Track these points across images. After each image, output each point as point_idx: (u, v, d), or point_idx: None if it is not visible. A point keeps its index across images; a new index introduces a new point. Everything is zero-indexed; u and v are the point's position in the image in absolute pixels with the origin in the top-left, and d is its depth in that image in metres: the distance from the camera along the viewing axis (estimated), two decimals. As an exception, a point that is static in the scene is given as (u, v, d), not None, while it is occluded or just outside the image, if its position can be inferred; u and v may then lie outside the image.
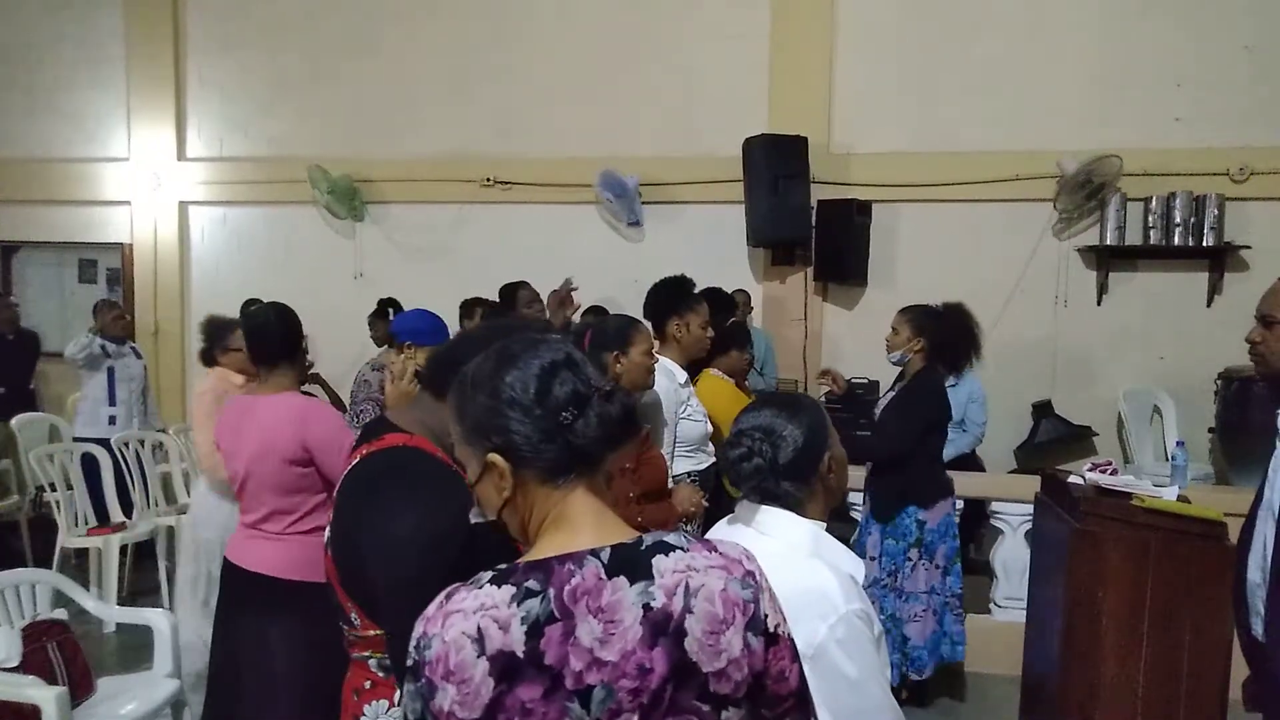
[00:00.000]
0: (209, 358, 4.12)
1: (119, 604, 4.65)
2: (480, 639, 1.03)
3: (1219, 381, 5.47)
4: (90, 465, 5.20)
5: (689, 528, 3.00)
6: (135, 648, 4.27)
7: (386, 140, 6.78)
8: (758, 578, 1.12)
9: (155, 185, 7.09)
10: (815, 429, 1.64)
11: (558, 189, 6.49)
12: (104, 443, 5.30)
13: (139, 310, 7.14)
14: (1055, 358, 5.99)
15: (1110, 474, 3.02)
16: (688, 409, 3.35)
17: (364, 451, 1.66)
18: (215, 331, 4.07)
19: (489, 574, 1.09)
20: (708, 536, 1.72)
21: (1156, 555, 2.70)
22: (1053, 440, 5.76)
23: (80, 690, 3.03)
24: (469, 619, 1.05)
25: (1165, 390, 5.75)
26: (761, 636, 1.09)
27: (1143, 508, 2.77)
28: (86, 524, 5.06)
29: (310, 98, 6.91)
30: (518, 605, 1.05)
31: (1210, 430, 5.62)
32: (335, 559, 1.63)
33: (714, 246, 6.20)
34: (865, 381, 6.05)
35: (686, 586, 1.07)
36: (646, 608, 1.05)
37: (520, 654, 1.03)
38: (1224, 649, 2.64)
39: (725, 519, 1.77)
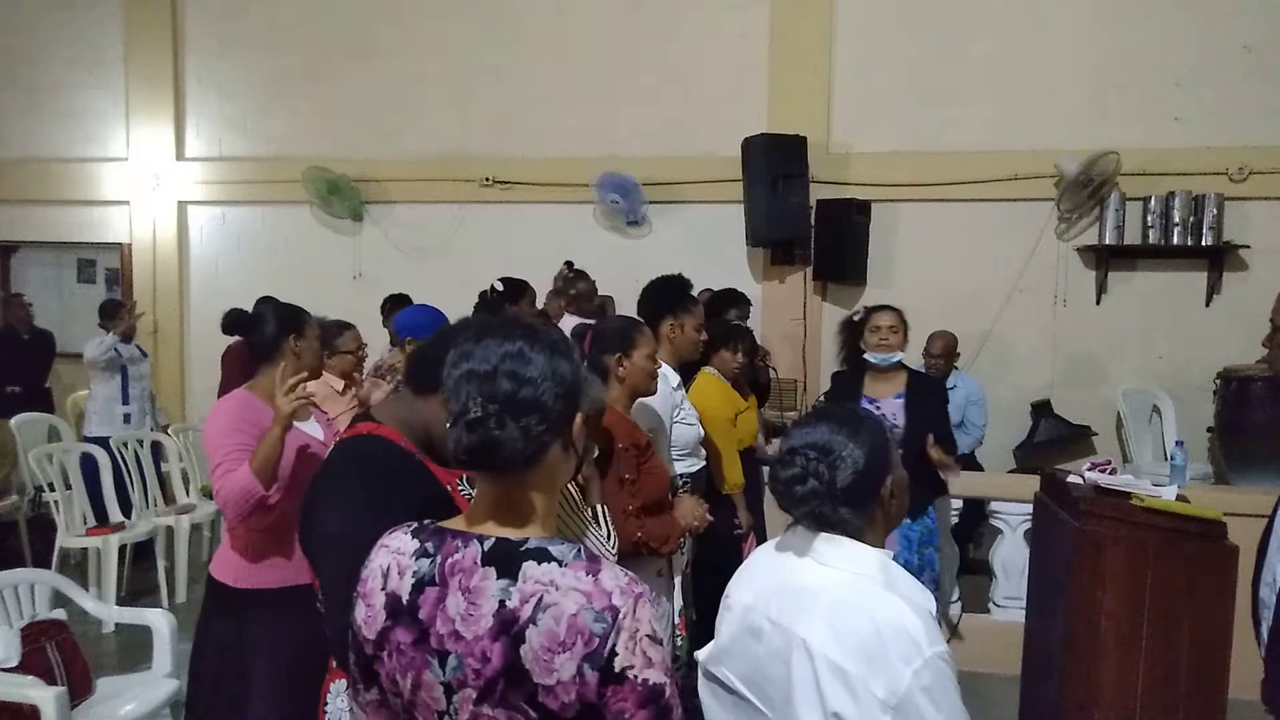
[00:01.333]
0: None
1: (118, 604, 4.65)
2: (386, 575, 1.20)
3: (1218, 381, 5.47)
4: (89, 465, 5.19)
5: (688, 540, 2.95)
6: (134, 648, 4.27)
7: (386, 140, 6.78)
8: (621, 616, 1.09)
9: (154, 185, 7.09)
10: (877, 449, 1.47)
11: (557, 189, 6.49)
12: (103, 443, 5.30)
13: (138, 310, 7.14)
14: (1054, 357, 5.99)
15: (1109, 473, 3.01)
16: (681, 412, 3.32)
17: (337, 440, 1.74)
18: (323, 335, 3.97)
19: (417, 525, 1.23)
20: (749, 566, 1.64)
21: (1156, 555, 2.70)
22: (1052, 440, 5.77)
23: (79, 690, 3.03)
24: (387, 556, 1.22)
25: (1164, 390, 5.76)
26: (598, 672, 1.08)
27: (1142, 507, 2.77)
28: (86, 524, 5.05)
29: (309, 98, 6.91)
30: (414, 559, 1.19)
31: (1209, 430, 5.62)
32: (301, 544, 1.70)
33: (713, 246, 6.20)
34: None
35: (539, 600, 1.10)
36: (501, 604, 1.12)
37: (404, 600, 1.17)
38: (1224, 649, 2.63)
39: (768, 546, 1.61)
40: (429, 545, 1.19)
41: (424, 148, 6.74)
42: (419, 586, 1.17)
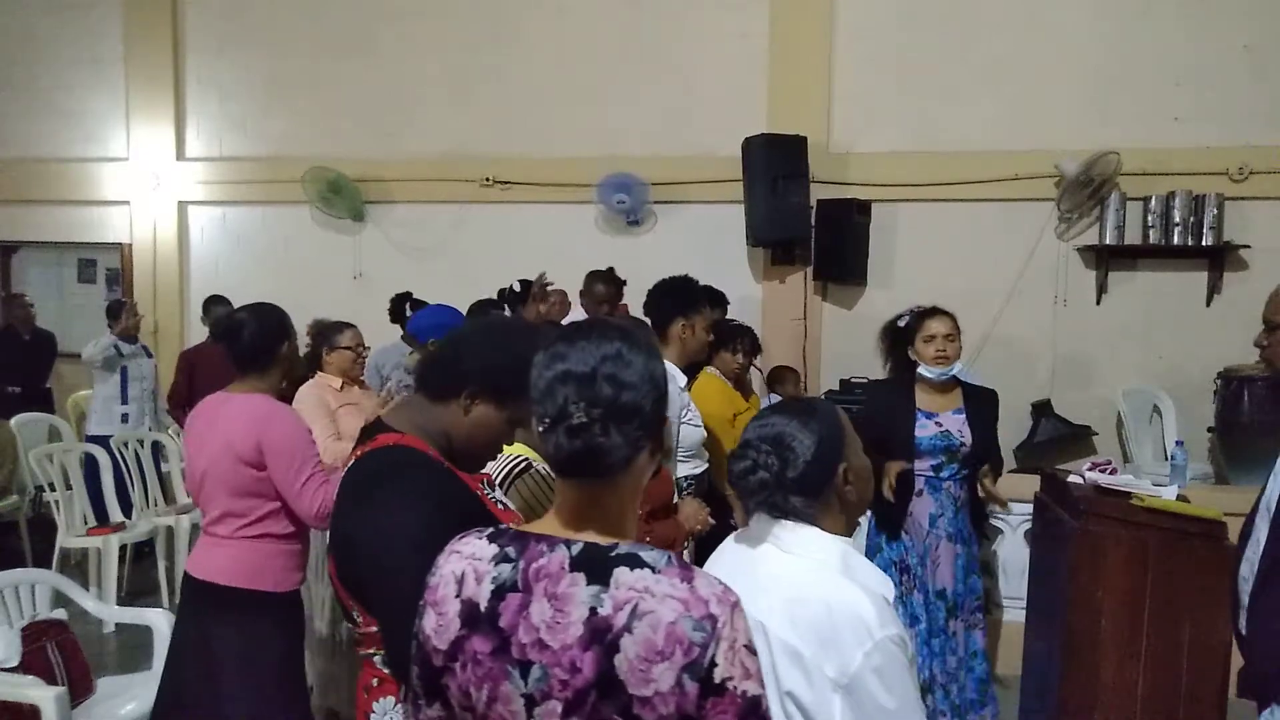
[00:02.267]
0: (314, 360, 4.02)
1: (118, 604, 4.65)
2: (461, 582, 1.15)
3: (1218, 381, 5.47)
4: (90, 465, 5.20)
5: (690, 544, 2.96)
6: (135, 648, 4.27)
7: (386, 140, 6.78)
8: (719, 625, 1.06)
9: (154, 185, 7.09)
10: (828, 438, 1.52)
11: (557, 189, 6.48)
12: (104, 442, 5.31)
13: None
14: (1055, 357, 5.99)
15: (1110, 473, 3.02)
16: (688, 413, 3.32)
17: (358, 453, 1.67)
18: (322, 333, 4.02)
19: (493, 529, 1.19)
20: (720, 553, 1.68)
21: (1156, 554, 2.70)
22: (1052, 440, 5.76)
23: (79, 690, 3.03)
24: (461, 561, 1.17)
25: (1165, 390, 5.75)
26: (699, 683, 1.05)
27: (1142, 507, 2.78)
28: (86, 524, 5.06)
29: (309, 97, 6.91)
30: (494, 565, 1.14)
31: (1210, 430, 5.62)
32: (334, 558, 1.64)
33: (713, 246, 6.19)
34: (865, 381, 6.05)
35: (635, 607, 1.06)
36: (593, 611, 1.07)
37: (483, 608, 1.12)
38: (1224, 648, 2.64)
39: (736, 535, 1.66)
40: (510, 550, 1.14)
41: (424, 148, 6.73)
42: (499, 593, 1.12)
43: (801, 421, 1.53)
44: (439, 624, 1.15)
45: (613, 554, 1.11)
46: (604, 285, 5.03)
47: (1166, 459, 5.03)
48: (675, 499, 2.94)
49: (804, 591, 1.45)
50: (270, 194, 6.90)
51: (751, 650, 1.09)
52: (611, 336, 1.16)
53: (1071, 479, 3.12)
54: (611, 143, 6.41)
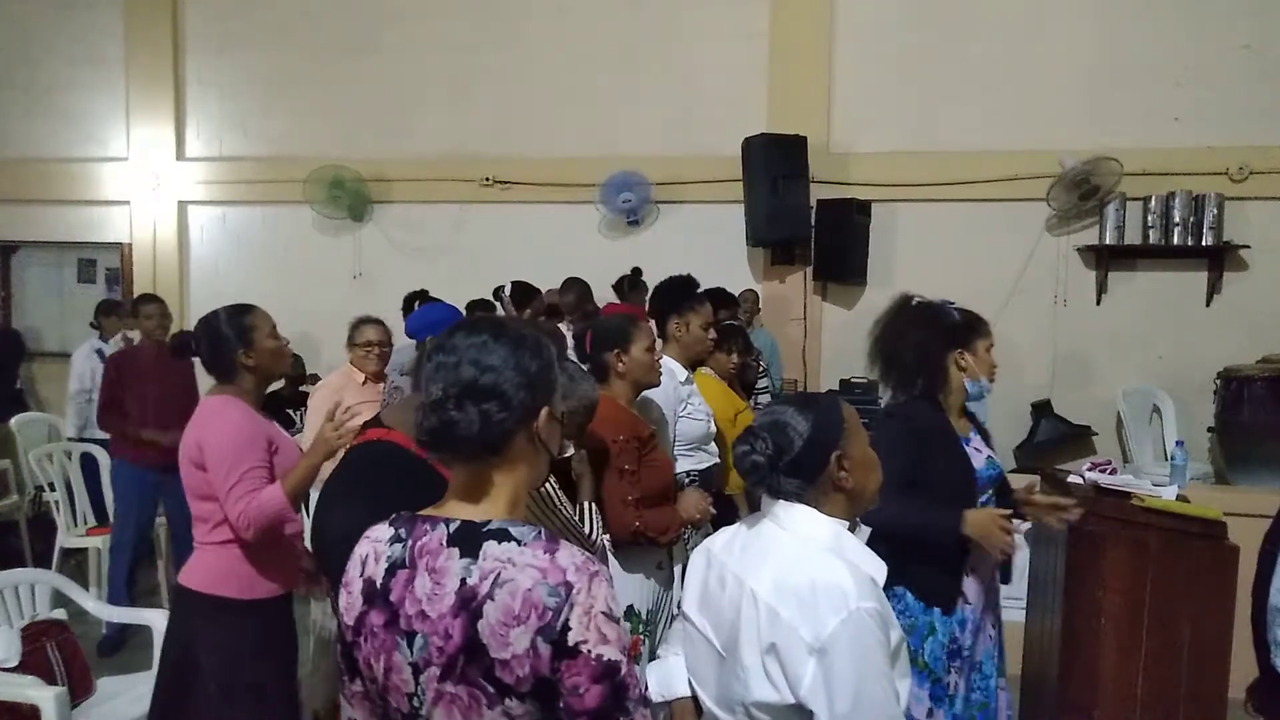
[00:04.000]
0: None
1: (132, 602, 4.64)
2: (364, 562, 1.25)
3: (1218, 381, 5.47)
4: (90, 465, 5.19)
5: (694, 533, 2.97)
6: (135, 648, 4.27)
7: (386, 140, 6.78)
8: (575, 591, 1.13)
9: (154, 185, 7.08)
10: (824, 425, 1.59)
11: (557, 189, 6.48)
12: (104, 443, 5.30)
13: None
14: (1054, 357, 5.99)
15: (1110, 473, 3.02)
16: (688, 407, 3.34)
17: (348, 447, 1.73)
18: (352, 326, 4.15)
19: (396, 515, 1.27)
20: (731, 530, 1.72)
21: (1156, 555, 2.70)
22: (1052, 440, 5.76)
23: (79, 690, 3.03)
24: (367, 545, 1.26)
25: (1165, 390, 5.75)
26: (551, 645, 1.11)
27: (1142, 507, 2.77)
28: (86, 524, 5.05)
29: (309, 97, 6.91)
30: (389, 545, 1.23)
31: (1210, 429, 5.62)
32: (314, 550, 1.69)
33: (714, 246, 6.19)
34: (865, 381, 6.05)
35: (497, 576, 1.14)
36: (463, 581, 1.15)
37: (378, 584, 1.21)
38: (1224, 649, 2.63)
39: (748, 516, 1.73)
40: (401, 531, 1.24)
41: (424, 147, 6.73)
42: (391, 570, 1.21)
43: (799, 407, 1.62)
44: (348, 602, 1.25)
45: (484, 529, 1.19)
46: (574, 295, 5.34)
47: (1166, 459, 5.03)
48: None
49: (792, 563, 1.54)
50: (270, 194, 6.90)
51: (611, 618, 1.15)
52: (482, 329, 1.26)
53: (1071, 479, 3.12)
54: (611, 143, 6.41)
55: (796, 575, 1.51)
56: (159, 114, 7.08)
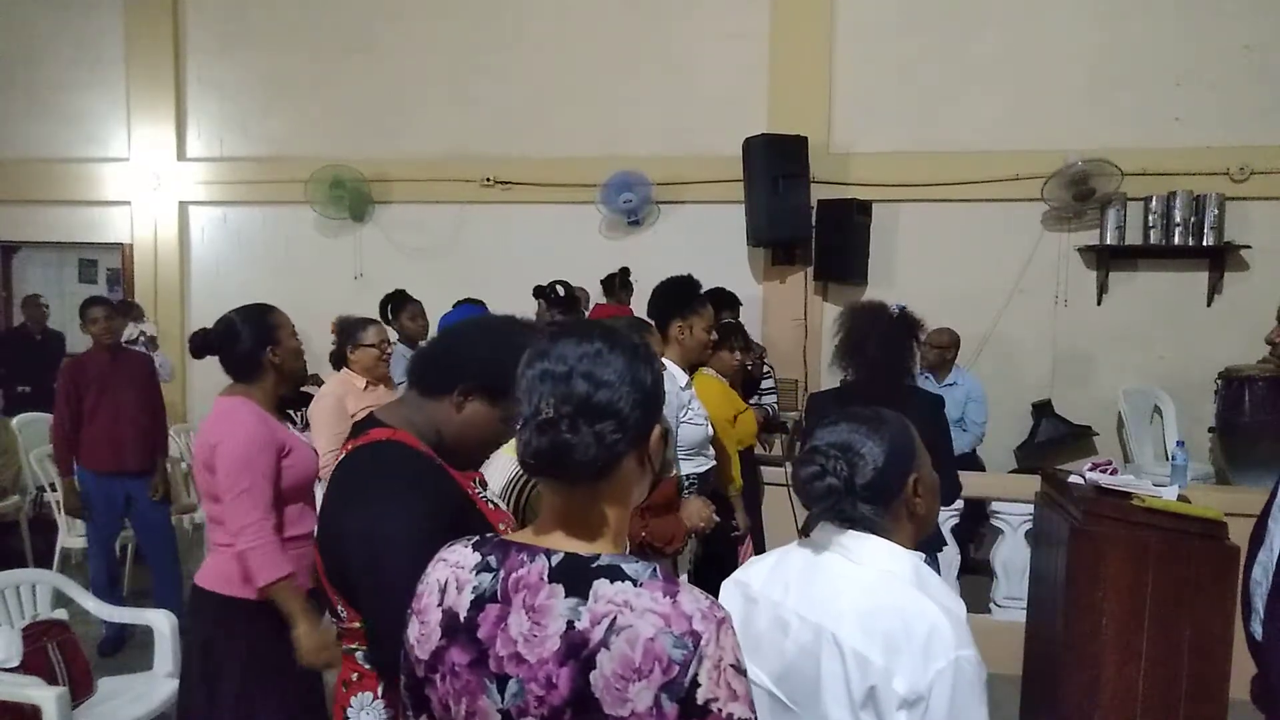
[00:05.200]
0: (340, 359, 4.02)
1: (119, 604, 4.64)
2: (444, 590, 1.12)
3: (1219, 381, 5.47)
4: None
5: (693, 541, 2.96)
6: (135, 648, 4.27)
7: (386, 140, 6.78)
8: (703, 642, 1.00)
9: (155, 185, 7.09)
10: (899, 448, 1.48)
11: (558, 189, 6.49)
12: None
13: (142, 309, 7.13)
14: (1055, 357, 5.99)
15: (1110, 474, 3.01)
16: (689, 412, 3.33)
17: (348, 447, 1.67)
18: (348, 329, 3.99)
19: (479, 537, 1.16)
20: (781, 560, 1.58)
21: (1156, 555, 2.70)
22: (1053, 440, 5.76)
23: (80, 690, 3.03)
24: (445, 569, 1.14)
25: (1165, 390, 5.75)
26: (678, 704, 0.99)
27: (1143, 507, 2.77)
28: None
29: (310, 97, 6.91)
30: (475, 574, 1.10)
31: (1210, 430, 5.62)
32: (320, 552, 1.64)
33: (714, 246, 6.19)
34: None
35: (613, 621, 1.01)
36: (570, 624, 1.03)
37: (462, 618, 1.09)
38: (1224, 649, 2.63)
39: (798, 543, 1.58)
40: (491, 559, 1.11)
41: (425, 148, 6.74)
42: (479, 603, 1.08)
43: (872, 428, 1.48)
44: (421, 633, 1.12)
45: (593, 565, 1.06)
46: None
47: (1167, 459, 5.03)
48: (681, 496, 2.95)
49: (878, 601, 1.39)
50: (271, 194, 6.91)
51: (740, 670, 1.03)
52: (593, 336, 1.13)
53: (1072, 479, 3.12)
54: (612, 143, 6.41)
55: (885, 615, 1.37)
56: (159, 114, 7.08)
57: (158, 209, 7.14)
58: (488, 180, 6.59)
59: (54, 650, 3.02)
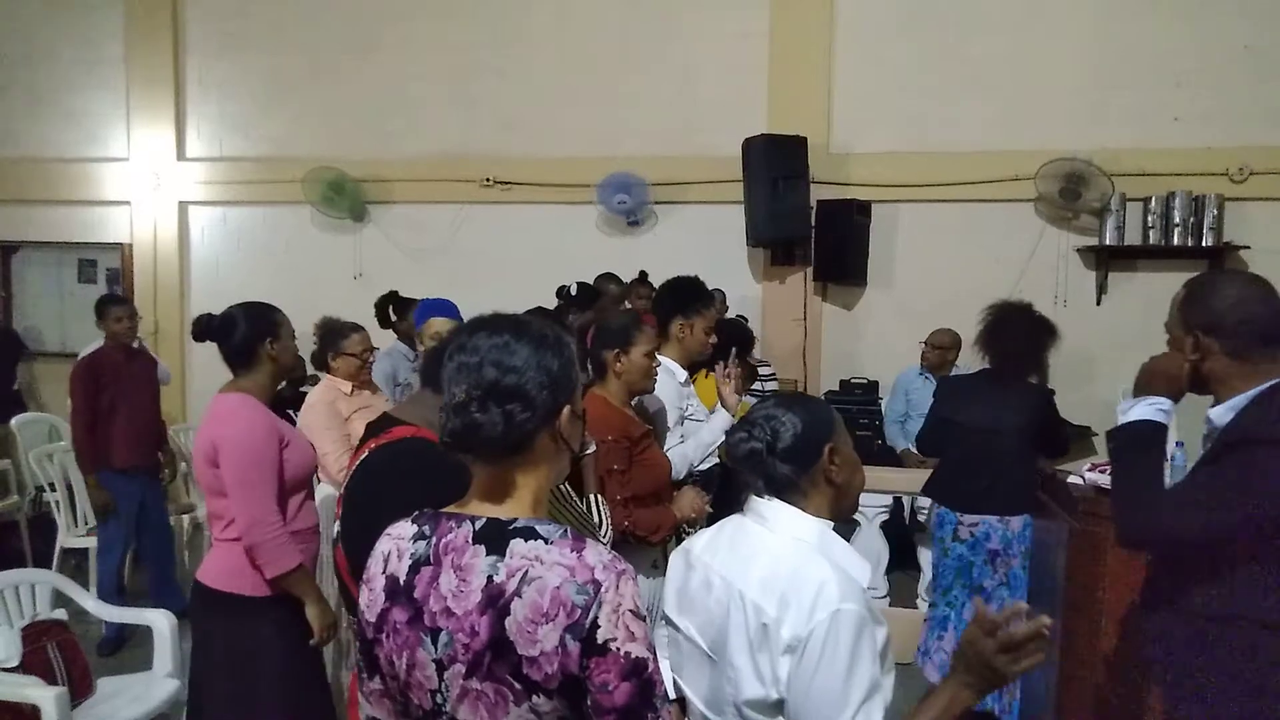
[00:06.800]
0: (320, 361, 4.03)
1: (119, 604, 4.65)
2: (387, 559, 1.25)
3: (1218, 381, 5.46)
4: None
5: (691, 531, 2.96)
6: (135, 648, 4.28)
7: (386, 140, 6.78)
8: (603, 589, 1.14)
9: (155, 185, 7.09)
10: (817, 420, 1.65)
11: (558, 189, 6.49)
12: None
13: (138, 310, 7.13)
14: (1054, 357, 5.97)
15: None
16: (690, 408, 3.34)
17: (371, 445, 1.67)
18: (329, 334, 3.98)
19: (418, 512, 1.28)
20: (718, 530, 1.74)
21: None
22: (1052, 440, 5.75)
23: (80, 690, 3.04)
24: (389, 542, 1.27)
25: (1165, 390, 5.74)
26: (580, 643, 1.12)
27: (1142, 508, 2.76)
28: (86, 524, 5.05)
29: (310, 98, 6.91)
30: (412, 542, 1.24)
31: (1210, 430, 5.61)
32: (346, 550, 1.65)
33: (714, 246, 6.19)
34: (865, 381, 6.06)
35: (525, 573, 1.15)
36: (489, 579, 1.16)
37: (402, 581, 1.22)
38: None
39: (735, 516, 1.75)
40: (425, 528, 1.24)
41: (424, 148, 6.74)
42: (415, 567, 1.21)
43: (795, 403, 1.69)
44: (369, 599, 1.25)
45: (510, 527, 1.19)
46: (615, 285, 5.33)
47: (1166, 460, 5.01)
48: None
49: (779, 563, 1.55)
50: (270, 194, 6.90)
51: (638, 615, 1.16)
52: (502, 329, 1.26)
53: (1071, 479, 3.13)
54: (611, 143, 6.41)
55: (782, 575, 1.53)
56: (159, 114, 7.08)
57: (157, 209, 7.14)
58: (487, 180, 6.59)
59: (53, 650, 3.02)
